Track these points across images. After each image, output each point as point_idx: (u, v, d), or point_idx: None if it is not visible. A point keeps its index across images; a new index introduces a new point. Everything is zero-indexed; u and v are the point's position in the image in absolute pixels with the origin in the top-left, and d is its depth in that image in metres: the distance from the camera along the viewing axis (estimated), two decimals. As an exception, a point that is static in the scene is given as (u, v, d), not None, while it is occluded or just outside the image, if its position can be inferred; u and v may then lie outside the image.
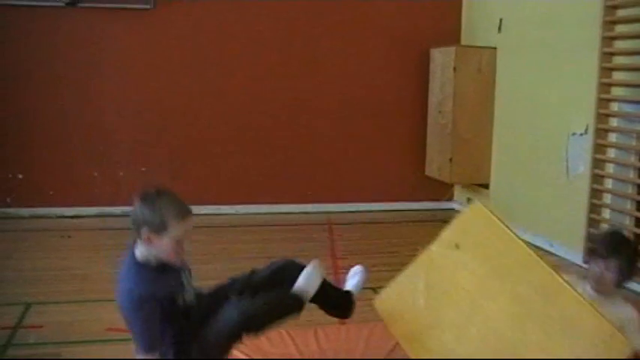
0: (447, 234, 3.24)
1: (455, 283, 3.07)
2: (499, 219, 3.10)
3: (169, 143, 7.40)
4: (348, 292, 3.56)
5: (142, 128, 7.32)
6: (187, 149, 7.45)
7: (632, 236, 5.46)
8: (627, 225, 5.56)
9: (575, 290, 2.78)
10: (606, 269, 3.12)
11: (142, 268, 2.82)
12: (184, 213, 2.78)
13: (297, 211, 7.76)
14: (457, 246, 3.18)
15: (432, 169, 7.86)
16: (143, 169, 7.33)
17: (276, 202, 7.75)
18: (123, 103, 7.24)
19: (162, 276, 2.83)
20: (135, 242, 2.84)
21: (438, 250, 3.24)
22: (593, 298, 2.97)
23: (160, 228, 2.71)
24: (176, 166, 7.43)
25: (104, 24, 7.05)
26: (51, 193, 7.15)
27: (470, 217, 3.25)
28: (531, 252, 2.92)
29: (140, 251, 2.83)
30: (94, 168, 7.23)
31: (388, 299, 3.36)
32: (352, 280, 3.63)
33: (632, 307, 3.19)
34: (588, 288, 3.16)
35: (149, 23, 7.16)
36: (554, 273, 2.81)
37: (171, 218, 2.72)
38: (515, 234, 3.06)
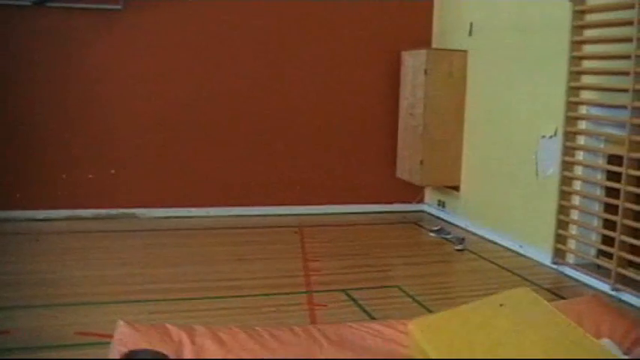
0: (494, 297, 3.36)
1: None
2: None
3: (139, 145, 7.33)
4: None
5: (111, 130, 7.24)
6: (158, 152, 7.39)
7: (600, 237, 5.55)
8: (595, 226, 5.63)
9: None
10: None
11: None
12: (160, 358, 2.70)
13: (268, 213, 7.74)
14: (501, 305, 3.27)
15: (403, 172, 7.89)
16: (112, 171, 7.25)
17: (248, 205, 7.72)
18: (91, 104, 7.15)
19: None
20: None
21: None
22: None
23: None
24: (146, 169, 7.37)
25: (72, 24, 6.97)
26: (18, 195, 7.03)
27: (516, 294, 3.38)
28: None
29: None
30: (62, 170, 7.13)
31: (427, 324, 3.34)
32: None
33: None
34: None
35: (119, 24, 7.09)
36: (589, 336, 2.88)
37: None
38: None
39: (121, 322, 3.80)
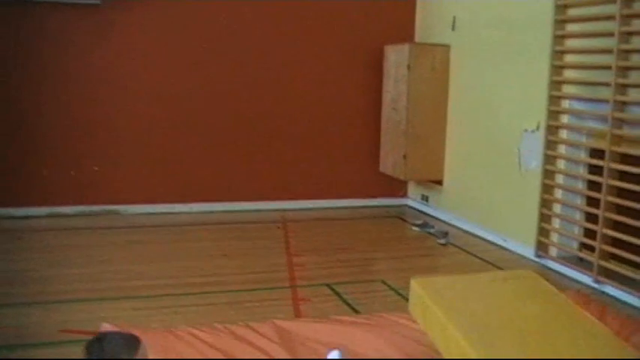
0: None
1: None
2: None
3: (122, 142, 7.29)
4: None
5: (93, 127, 7.18)
6: (140, 148, 7.35)
7: (582, 230, 5.59)
8: (578, 220, 5.67)
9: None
10: None
11: None
12: (135, 345, 2.67)
13: (252, 209, 7.73)
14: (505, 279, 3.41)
15: (386, 166, 7.90)
16: (95, 168, 7.20)
17: (231, 201, 7.70)
18: (72, 100, 7.09)
19: None
20: None
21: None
22: None
23: None
24: (129, 165, 7.33)
25: (52, 19, 6.90)
26: (-2, 193, 6.97)
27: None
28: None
29: None
30: (43, 167, 7.07)
31: (430, 283, 3.37)
32: None
33: None
34: None
35: (96, 18, 7.02)
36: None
37: (125, 357, 2.62)
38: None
39: (106, 325, 3.80)
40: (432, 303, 3.04)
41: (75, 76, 7.06)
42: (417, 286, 3.27)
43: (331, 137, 7.99)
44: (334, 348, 3.54)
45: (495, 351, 2.56)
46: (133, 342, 2.66)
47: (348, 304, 4.74)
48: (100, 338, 2.67)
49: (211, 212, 7.56)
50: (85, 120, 7.15)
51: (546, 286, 3.24)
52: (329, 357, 3.42)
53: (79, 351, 2.71)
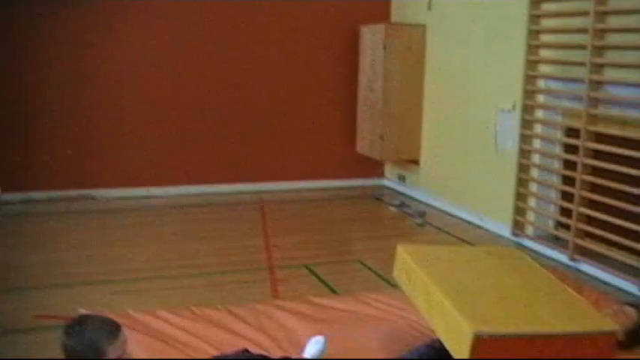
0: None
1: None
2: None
3: (96, 126, 7.19)
4: None
5: (68, 110, 7.06)
6: (115, 131, 7.26)
7: (558, 209, 5.63)
8: (553, 199, 5.71)
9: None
10: None
11: None
12: (115, 331, 2.63)
13: (228, 191, 7.69)
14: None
15: (363, 146, 7.89)
16: (69, 151, 7.11)
17: (207, 183, 7.66)
18: (44, 84, 6.96)
19: None
20: None
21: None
22: None
23: (97, 356, 2.57)
24: (104, 150, 7.24)
25: (31, 12, 6.79)
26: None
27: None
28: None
29: None
30: (15, 153, 6.96)
31: (415, 249, 3.44)
32: (311, 349, 3.47)
33: None
34: None
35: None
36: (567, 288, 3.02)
37: (106, 344, 2.57)
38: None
39: (82, 311, 3.76)
40: (417, 266, 3.10)
41: (46, 60, 6.94)
42: (403, 252, 3.32)
43: (307, 118, 7.96)
44: (316, 334, 3.52)
45: (477, 313, 2.58)
46: (114, 328, 2.63)
47: (327, 285, 4.75)
48: (81, 321, 2.65)
49: (187, 195, 7.51)
50: (57, 104, 7.03)
51: (530, 262, 3.31)
52: (311, 345, 3.39)
53: (55, 337, 2.69)
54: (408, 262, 3.19)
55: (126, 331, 2.65)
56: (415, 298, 3.08)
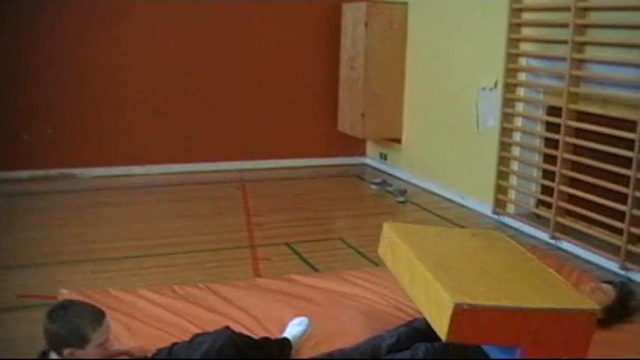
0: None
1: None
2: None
3: (77, 104, 7.09)
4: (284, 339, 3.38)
5: (47, 88, 6.96)
6: (96, 110, 7.17)
7: (539, 187, 5.66)
8: (535, 177, 5.74)
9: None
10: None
11: None
12: (99, 317, 2.62)
13: (209, 169, 7.65)
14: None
15: (345, 125, 7.87)
16: (49, 130, 7.03)
17: (189, 162, 7.62)
18: (23, 63, 6.86)
19: None
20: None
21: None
22: None
23: (81, 342, 2.56)
24: (84, 128, 7.15)
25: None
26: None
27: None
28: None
29: None
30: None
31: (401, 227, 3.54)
32: (293, 329, 3.46)
33: None
34: None
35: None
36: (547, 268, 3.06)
37: (90, 330, 2.56)
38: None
39: (63, 291, 3.75)
40: (402, 242, 3.12)
41: (24, 35, 6.84)
42: (388, 229, 3.36)
43: (289, 97, 7.92)
44: (298, 314, 3.52)
45: (459, 285, 2.61)
46: (98, 314, 2.63)
47: (308, 263, 4.76)
48: (65, 306, 2.64)
49: (169, 174, 7.46)
50: (36, 83, 6.93)
51: (512, 244, 3.35)
52: (293, 325, 3.39)
53: (39, 315, 2.68)
54: (393, 238, 3.22)
55: (107, 312, 2.65)
56: (398, 272, 3.12)
